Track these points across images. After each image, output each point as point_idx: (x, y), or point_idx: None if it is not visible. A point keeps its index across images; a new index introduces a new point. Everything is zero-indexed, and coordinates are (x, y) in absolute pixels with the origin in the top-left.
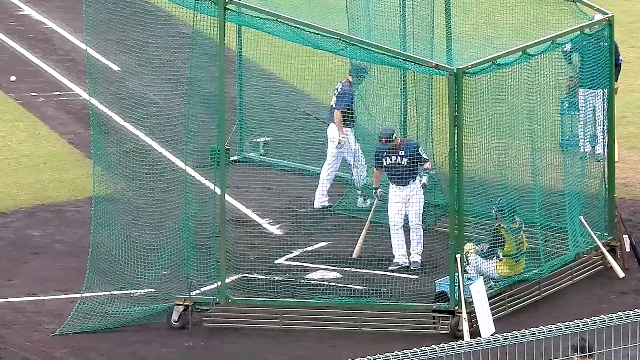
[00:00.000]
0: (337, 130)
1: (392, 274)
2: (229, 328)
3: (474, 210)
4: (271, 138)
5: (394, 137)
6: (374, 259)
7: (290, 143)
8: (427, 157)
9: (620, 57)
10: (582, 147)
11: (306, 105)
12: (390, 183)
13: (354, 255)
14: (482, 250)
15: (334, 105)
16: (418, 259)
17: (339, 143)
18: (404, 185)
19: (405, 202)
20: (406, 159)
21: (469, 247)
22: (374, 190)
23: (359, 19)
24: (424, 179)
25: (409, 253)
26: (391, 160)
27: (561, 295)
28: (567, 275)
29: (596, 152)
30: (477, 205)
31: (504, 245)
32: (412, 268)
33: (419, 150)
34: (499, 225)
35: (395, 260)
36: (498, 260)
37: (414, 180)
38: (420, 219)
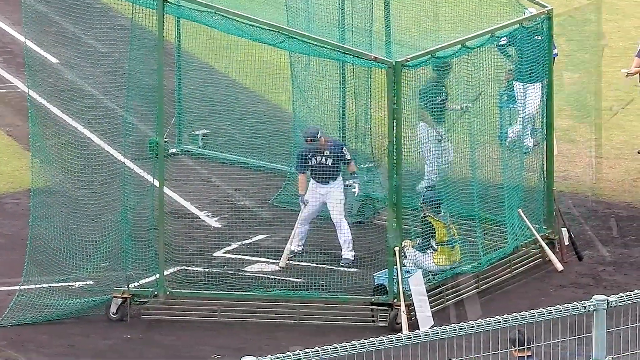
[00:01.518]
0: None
1: (330, 266)
2: (167, 320)
3: (413, 204)
4: (210, 130)
5: (318, 137)
6: (312, 252)
7: (228, 135)
8: (350, 158)
9: (555, 51)
10: (524, 141)
11: (244, 98)
12: (311, 179)
13: (280, 264)
14: (417, 245)
15: None
16: (349, 255)
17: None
18: (325, 184)
19: (322, 200)
20: (331, 160)
21: (406, 242)
22: (299, 198)
23: (298, 11)
24: (356, 188)
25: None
26: (316, 160)
27: (500, 289)
28: (506, 268)
29: (524, 144)
30: (416, 198)
31: (435, 233)
32: (342, 264)
33: (343, 150)
34: (425, 214)
35: (291, 247)
36: (434, 251)
37: (334, 180)
38: (343, 216)
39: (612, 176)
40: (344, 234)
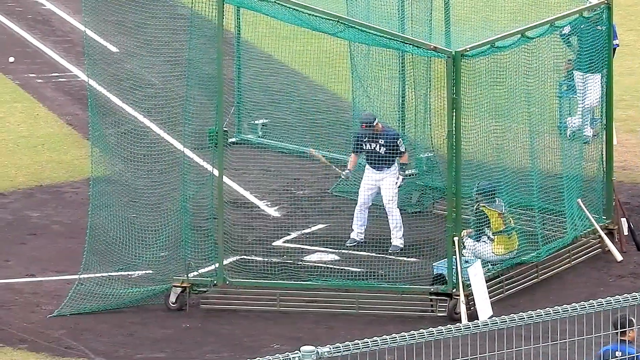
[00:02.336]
0: None
1: (390, 256)
2: (226, 310)
3: (472, 193)
4: (269, 120)
5: (375, 123)
6: (372, 242)
7: (288, 125)
8: (404, 150)
9: (616, 41)
10: (583, 131)
11: (304, 87)
12: (366, 164)
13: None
14: (470, 234)
15: None
16: (398, 242)
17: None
18: (379, 170)
19: (377, 186)
20: (384, 148)
21: (464, 232)
22: (346, 171)
23: (357, 1)
24: (399, 180)
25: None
26: (370, 146)
27: (559, 279)
28: (565, 258)
29: (584, 134)
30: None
31: (489, 223)
32: (390, 251)
33: (398, 141)
34: (479, 205)
35: (352, 235)
36: (491, 241)
37: (388, 168)
38: (394, 202)
39: None
40: (395, 221)
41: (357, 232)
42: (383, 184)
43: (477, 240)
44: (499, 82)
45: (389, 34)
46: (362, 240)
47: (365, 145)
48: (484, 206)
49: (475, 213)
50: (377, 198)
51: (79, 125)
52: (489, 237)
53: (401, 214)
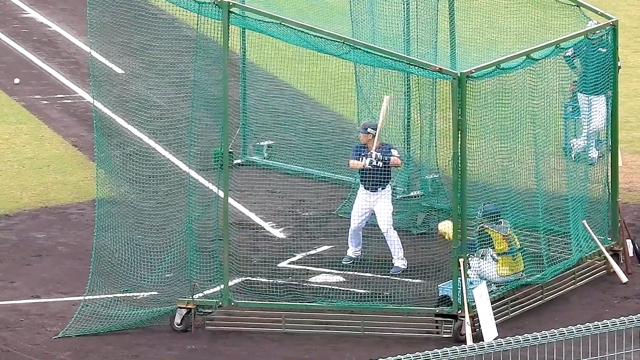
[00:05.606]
0: None
1: (395, 277)
2: (231, 331)
3: (476, 215)
4: (275, 141)
5: (375, 133)
6: (377, 263)
7: (293, 146)
8: (397, 155)
9: (619, 63)
10: (589, 153)
11: (309, 109)
12: (360, 185)
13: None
14: (472, 244)
15: None
16: (400, 264)
17: None
18: (373, 191)
19: (370, 209)
20: (381, 162)
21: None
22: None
23: (363, 23)
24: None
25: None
26: (367, 161)
27: (564, 300)
28: (570, 279)
29: (589, 156)
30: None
31: (493, 244)
32: (392, 272)
33: (392, 150)
34: (482, 226)
35: (348, 253)
36: (495, 262)
37: (383, 189)
38: (390, 225)
39: None
40: (393, 243)
41: (354, 250)
42: (377, 206)
43: (481, 257)
44: (504, 103)
45: (394, 56)
46: (358, 258)
47: (362, 159)
48: (487, 228)
49: (479, 234)
50: (374, 218)
51: (84, 147)
52: (492, 257)
53: (407, 235)
